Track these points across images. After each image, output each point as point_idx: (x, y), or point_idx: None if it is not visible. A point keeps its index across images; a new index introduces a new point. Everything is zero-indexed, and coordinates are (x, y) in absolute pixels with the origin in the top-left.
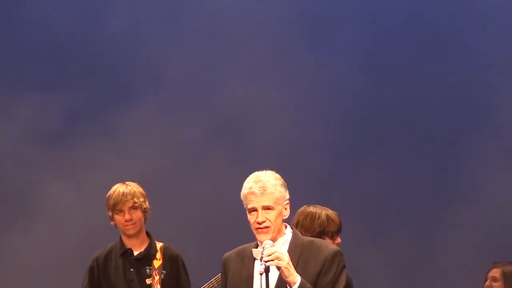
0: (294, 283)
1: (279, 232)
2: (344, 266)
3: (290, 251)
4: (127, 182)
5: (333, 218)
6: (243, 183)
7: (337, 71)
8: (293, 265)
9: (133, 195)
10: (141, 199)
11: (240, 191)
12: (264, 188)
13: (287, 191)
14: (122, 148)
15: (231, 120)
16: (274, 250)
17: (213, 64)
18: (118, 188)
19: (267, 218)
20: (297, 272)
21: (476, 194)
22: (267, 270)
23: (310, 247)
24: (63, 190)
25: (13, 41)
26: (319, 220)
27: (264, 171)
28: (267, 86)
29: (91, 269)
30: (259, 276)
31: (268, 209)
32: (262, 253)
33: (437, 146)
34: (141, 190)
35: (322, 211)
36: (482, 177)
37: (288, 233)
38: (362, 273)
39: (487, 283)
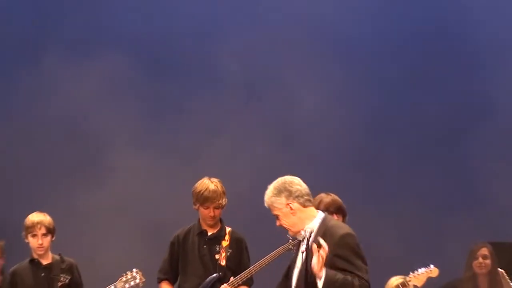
0: (320, 277)
1: (300, 224)
2: (353, 247)
3: (314, 238)
4: (212, 179)
5: (328, 201)
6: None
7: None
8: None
9: (220, 197)
10: (224, 199)
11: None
12: (266, 204)
13: (285, 193)
14: (196, 134)
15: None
16: (324, 243)
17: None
18: (209, 186)
19: (280, 223)
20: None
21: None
22: (307, 250)
23: (329, 233)
24: (138, 156)
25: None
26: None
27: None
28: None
29: (172, 244)
30: (301, 253)
31: (277, 217)
32: (305, 237)
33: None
34: (223, 189)
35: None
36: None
37: (315, 221)
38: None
39: (479, 260)
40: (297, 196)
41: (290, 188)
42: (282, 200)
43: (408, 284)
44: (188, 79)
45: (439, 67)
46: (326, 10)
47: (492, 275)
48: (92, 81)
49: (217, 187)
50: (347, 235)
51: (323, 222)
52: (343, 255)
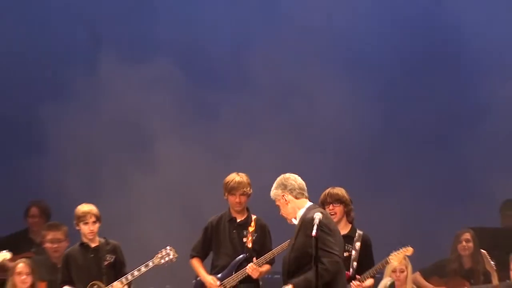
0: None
1: (293, 213)
2: (322, 228)
3: (297, 224)
4: (239, 173)
5: (326, 192)
6: None
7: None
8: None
9: (244, 186)
10: (248, 188)
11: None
12: (271, 196)
13: (281, 187)
14: (231, 133)
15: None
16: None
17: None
18: (235, 178)
19: (280, 212)
20: (298, 237)
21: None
22: (317, 233)
23: (305, 219)
24: (182, 150)
25: None
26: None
27: None
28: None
29: (206, 229)
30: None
31: (278, 207)
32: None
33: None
34: (248, 180)
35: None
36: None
37: (301, 211)
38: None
39: (462, 244)
40: (290, 189)
41: (285, 183)
42: (279, 192)
43: (389, 262)
44: (224, 85)
45: (437, 78)
46: (340, 31)
47: (475, 256)
48: (142, 83)
49: (242, 178)
50: (313, 219)
51: (306, 211)
52: (311, 233)
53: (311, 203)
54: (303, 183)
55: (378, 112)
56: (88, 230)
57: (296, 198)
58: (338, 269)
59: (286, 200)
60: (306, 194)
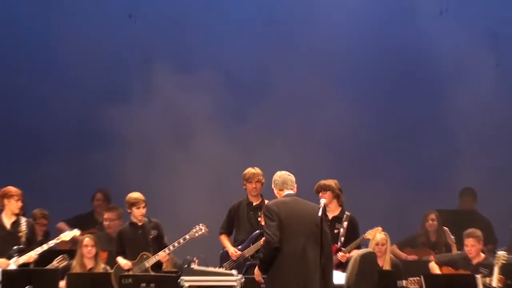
0: None
1: None
2: (265, 213)
3: None
4: (254, 167)
5: (317, 184)
6: None
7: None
8: None
9: (258, 175)
10: (261, 177)
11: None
12: None
13: (273, 183)
14: (257, 133)
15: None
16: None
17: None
18: (251, 170)
19: None
20: None
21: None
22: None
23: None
24: (218, 146)
25: None
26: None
27: None
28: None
29: (230, 211)
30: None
31: None
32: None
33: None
34: (261, 172)
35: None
36: None
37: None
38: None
39: (429, 222)
40: (276, 183)
41: (274, 179)
42: (272, 185)
43: (365, 238)
44: (250, 95)
45: (411, 90)
46: (341, 49)
47: (438, 232)
48: (186, 90)
49: (257, 170)
50: (265, 205)
51: (281, 199)
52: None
53: (290, 193)
54: (288, 177)
55: (366, 119)
56: (140, 213)
57: (280, 190)
58: (270, 248)
59: (275, 192)
60: (291, 186)
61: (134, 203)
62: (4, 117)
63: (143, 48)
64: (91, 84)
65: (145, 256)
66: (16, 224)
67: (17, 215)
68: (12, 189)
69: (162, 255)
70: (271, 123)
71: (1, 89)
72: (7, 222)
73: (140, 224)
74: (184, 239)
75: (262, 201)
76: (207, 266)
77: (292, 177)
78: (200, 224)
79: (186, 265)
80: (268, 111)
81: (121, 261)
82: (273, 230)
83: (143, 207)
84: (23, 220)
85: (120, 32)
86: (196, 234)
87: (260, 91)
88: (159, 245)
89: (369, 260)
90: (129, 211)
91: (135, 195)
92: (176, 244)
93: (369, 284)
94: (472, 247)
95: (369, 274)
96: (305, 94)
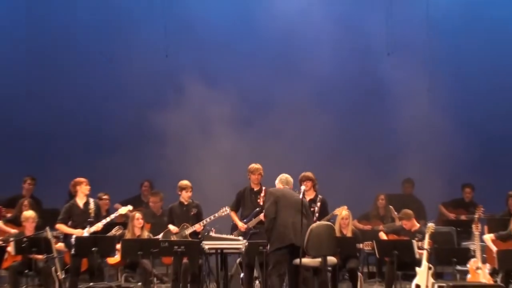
0: None
1: None
2: (266, 196)
3: None
4: (256, 163)
5: (301, 175)
6: None
7: None
8: None
9: (260, 169)
10: (261, 171)
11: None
12: None
13: (279, 179)
14: (265, 136)
15: None
16: None
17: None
18: (255, 165)
19: None
20: None
21: None
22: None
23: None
24: (237, 141)
25: None
26: None
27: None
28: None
29: (237, 194)
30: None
31: None
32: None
33: None
34: (261, 167)
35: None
36: None
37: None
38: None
39: (379, 201)
40: (281, 180)
41: (281, 177)
42: (278, 181)
43: (334, 214)
44: (256, 106)
45: (369, 108)
46: (323, 80)
47: (386, 209)
48: (211, 99)
49: (258, 165)
50: (267, 189)
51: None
52: None
53: (287, 187)
54: (290, 180)
55: (336, 127)
56: (187, 196)
57: (282, 185)
58: (269, 218)
59: (279, 185)
60: (289, 185)
61: (184, 188)
62: (82, 122)
63: (178, 68)
64: (141, 95)
65: (185, 226)
66: (86, 204)
67: (87, 196)
68: (80, 178)
69: (197, 227)
70: (272, 128)
71: (83, 105)
72: (80, 203)
73: (186, 203)
74: (214, 216)
75: (261, 188)
76: (221, 234)
77: (291, 180)
78: (226, 207)
79: (206, 233)
80: (270, 119)
81: (171, 227)
82: (269, 208)
83: (190, 191)
84: (92, 201)
85: (163, 58)
86: (223, 214)
87: (265, 103)
88: (197, 219)
89: (321, 229)
90: (179, 193)
91: (185, 182)
92: (208, 220)
93: (325, 247)
94: (405, 222)
95: (324, 239)
96: (298, 107)
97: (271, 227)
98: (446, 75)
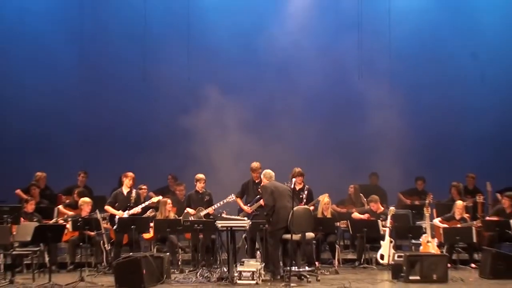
0: None
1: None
2: (263, 190)
3: None
4: (257, 162)
5: (294, 171)
6: None
7: None
8: None
9: (259, 168)
10: (260, 169)
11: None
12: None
13: (263, 175)
14: (267, 140)
15: None
16: None
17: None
18: (255, 165)
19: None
20: None
21: None
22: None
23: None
24: (241, 143)
25: None
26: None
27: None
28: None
29: (242, 185)
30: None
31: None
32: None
33: None
34: (261, 165)
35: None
36: None
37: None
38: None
39: (352, 190)
40: (265, 176)
41: (265, 173)
42: (262, 176)
43: (319, 200)
44: (264, 112)
45: (347, 116)
46: (316, 91)
47: (357, 196)
48: (227, 107)
49: (258, 164)
50: (262, 185)
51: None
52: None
53: (273, 180)
54: (273, 174)
55: (322, 132)
56: (201, 186)
57: (267, 179)
58: (269, 207)
59: (264, 180)
60: (273, 178)
61: (198, 180)
62: (124, 128)
63: (202, 79)
64: (173, 101)
65: (200, 209)
66: (129, 192)
67: (130, 187)
68: (128, 173)
69: (210, 210)
70: (272, 130)
71: (125, 113)
72: (125, 191)
73: (200, 192)
74: (223, 201)
75: (260, 180)
76: (230, 215)
77: (273, 173)
78: (232, 194)
79: (218, 215)
80: (271, 123)
81: (190, 210)
82: (268, 198)
83: (203, 182)
84: (134, 191)
85: (186, 78)
86: (230, 200)
87: (268, 111)
88: (209, 204)
89: (301, 211)
90: (195, 183)
91: (200, 175)
92: (218, 204)
93: (303, 225)
94: (373, 204)
95: (303, 219)
96: (292, 115)
97: (272, 212)
98: (404, 91)
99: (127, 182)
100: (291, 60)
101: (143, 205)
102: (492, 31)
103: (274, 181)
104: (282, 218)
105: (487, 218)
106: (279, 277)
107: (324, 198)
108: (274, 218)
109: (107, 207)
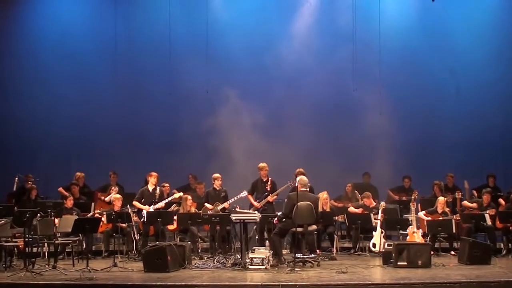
0: None
1: None
2: (288, 200)
3: None
4: (264, 162)
5: (297, 171)
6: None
7: None
8: None
9: (266, 167)
10: (267, 168)
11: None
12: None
13: (298, 182)
14: (271, 139)
15: None
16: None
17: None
18: (261, 164)
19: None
20: None
21: None
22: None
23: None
24: (251, 143)
25: None
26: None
27: None
28: None
29: (252, 183)
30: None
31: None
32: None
33: None
34: (267, 165)
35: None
36: None
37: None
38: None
39: (348, 188)
40: (300, 183)
41: (300, 180)
42: (297, 183)
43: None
44: (274, 116)
45: (342, 121)
46: (318, 100)
47: (353, 192)
48: (244, 111)
49: (265, 164)
50: (288, 195)
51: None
52: None
53: (303, 189)
54: (304, 181)
55: (321, 136)
56: (218, 184)
57: (301, 186)
58: (283, 216)
59: (299, 187)
60: (306, 187)
61: (215, 178)
62: (150, 132)
63: (224, 86)
64: (197, 106)
65: (217, 204)
66: (154, 189)
67: (154, 185)
68: (152, 172)
69: (226, 205)
70: (281, 133)
71: (153, 120)
72: (150, 189)
73: (218, 189)
74: (236, 197)
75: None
76: (243, 209)
77: (307, 180)
78: (244, 191)
79: (233, 209)
80: (281, 126)
81: (208, 205)
82: (287, 207)
83: (220, 180)
84: (158, 188)
85: (205, 91)
86: (242, 195)
87: (278, 116)
88: (225, 200)
89: (303, 206)
90: (213, 182)
91: (217, 174)
92: (233, 199)
93: (306, 219)
94: (366, 200)
95: (305, 213)
96: (297, 121)
97: (284, 217)
98: (393, 100)
99: (152, 180)
100: (296, 73)
101: (166, 200)
102: (466, 51)
103: (304, 192)
104: (292, 223)
105: (465, 201)
106: (285, 263)
107: (323, 195)
108: (286, 221)
109: (135, 203)
